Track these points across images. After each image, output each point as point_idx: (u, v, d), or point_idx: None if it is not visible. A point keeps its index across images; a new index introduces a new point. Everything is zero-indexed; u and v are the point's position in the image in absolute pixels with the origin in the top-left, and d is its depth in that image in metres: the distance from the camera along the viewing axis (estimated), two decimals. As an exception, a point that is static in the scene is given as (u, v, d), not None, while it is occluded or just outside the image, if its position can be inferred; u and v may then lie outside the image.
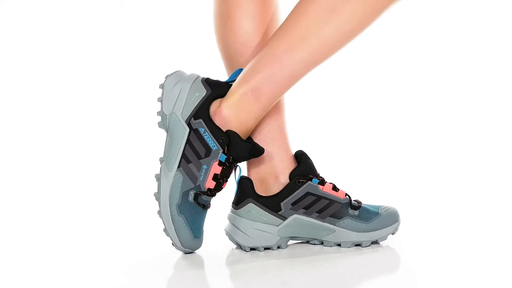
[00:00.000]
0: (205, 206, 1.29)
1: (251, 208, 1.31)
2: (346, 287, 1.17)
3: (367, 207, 1.35)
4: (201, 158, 1.27)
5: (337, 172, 1.58)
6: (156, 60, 2.50)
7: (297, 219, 1.32)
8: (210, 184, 1.27)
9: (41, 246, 1.40)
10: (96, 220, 1.62)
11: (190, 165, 1.27)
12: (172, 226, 1.27)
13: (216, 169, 1.27)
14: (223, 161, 1.27)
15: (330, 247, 1.33)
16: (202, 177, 1.27)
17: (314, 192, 1.32)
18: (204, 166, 1.27)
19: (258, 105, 1.27)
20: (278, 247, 1.33)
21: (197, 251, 1.32)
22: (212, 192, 1.28)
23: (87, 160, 2.24)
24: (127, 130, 2.40)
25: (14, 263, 1.30)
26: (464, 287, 1.14)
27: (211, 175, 1.27)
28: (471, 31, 2.51)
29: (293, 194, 1.32)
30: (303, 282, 1.17)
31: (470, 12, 2.50)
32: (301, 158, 1.34)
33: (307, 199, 1.32)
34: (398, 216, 1.36)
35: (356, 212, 1.33)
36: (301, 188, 1.32)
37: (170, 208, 1.27)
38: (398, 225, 1.35)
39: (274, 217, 1.32)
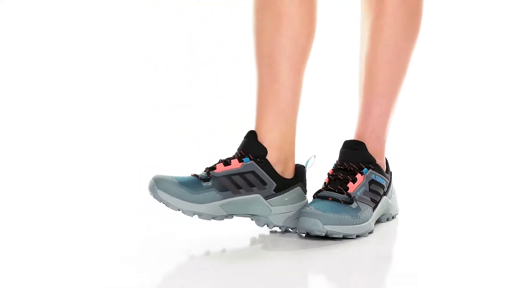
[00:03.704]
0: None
1: None
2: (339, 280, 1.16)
3: None
4: None
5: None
6: (155, 60, 2.51)
7: None
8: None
9: (38, 245, 1.40)
10: (95, 219, 1.62)
11: None
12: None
13: None
14: None
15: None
16: None
17: None
18: None
19: None
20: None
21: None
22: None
23: (83, 160, 2.24)
24: (124, 130, 2.40)
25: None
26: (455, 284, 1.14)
27: None
28: (468, 29, 2.51)
29: None
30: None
31: (470, 10, 2.50)
32: None
33: None
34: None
35: None
36: None
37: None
38: None
39: None
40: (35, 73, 2.52)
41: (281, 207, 1.39)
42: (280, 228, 1.40)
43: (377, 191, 1.43)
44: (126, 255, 1.31)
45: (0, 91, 2.49)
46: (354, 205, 1.37)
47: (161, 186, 1.33)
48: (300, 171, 1.42)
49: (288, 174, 1.42)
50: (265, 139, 1.40)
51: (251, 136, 1.40)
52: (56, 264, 1.26)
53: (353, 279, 1.19)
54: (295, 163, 1.44)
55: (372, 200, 1.41)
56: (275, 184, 1.39)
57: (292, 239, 1.38)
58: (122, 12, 2.56)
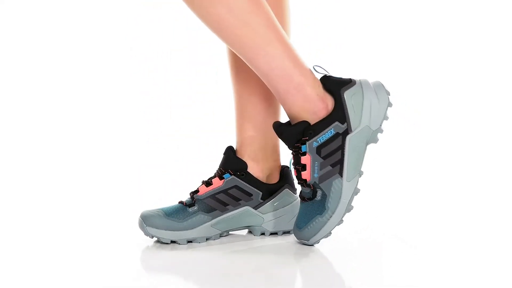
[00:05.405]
0: None
1: None
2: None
3: None
4: None
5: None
6: (155, 60, 2.50)
7: None
8: None
9: (38, 246, 1.40)
10: (95, 219, 1.62)
11: None
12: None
13: None
14: None
15: None
16: None
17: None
18: None
19: None
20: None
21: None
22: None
23: (83, 160, 2.24)
24: (124, 130, 2.40)
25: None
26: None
27: None
28: (468, 28, 2.51)
29: None
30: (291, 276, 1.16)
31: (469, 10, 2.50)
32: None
33: None
34: None
35: None
36: None
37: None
38: None
39: None
40: (35, 73, 2.52)
41: (272, 213, 1.40)
42: (277, 234, 1.41)
43: (334, 148, 1.29)
44: (126, 255, 1.32)
45: (0, 91, 2.50)
46: (318, 195, 1.30)
47: (148, 223, 1.34)
48: (284, 172, 1.42)
49: (274, 180, 1.42)
50: (245, 152, 1.40)
51: (229, 152, 1.40)
52: (56, 265, 1.27)
53: (352, 279, 1.19)
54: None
55: (334, 164, 1.30)
56: (260, 193, 1.39)
57: (289, 236, 1.39)
58: (122, 12, 2.56)
